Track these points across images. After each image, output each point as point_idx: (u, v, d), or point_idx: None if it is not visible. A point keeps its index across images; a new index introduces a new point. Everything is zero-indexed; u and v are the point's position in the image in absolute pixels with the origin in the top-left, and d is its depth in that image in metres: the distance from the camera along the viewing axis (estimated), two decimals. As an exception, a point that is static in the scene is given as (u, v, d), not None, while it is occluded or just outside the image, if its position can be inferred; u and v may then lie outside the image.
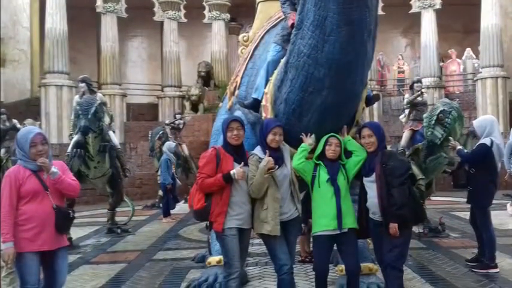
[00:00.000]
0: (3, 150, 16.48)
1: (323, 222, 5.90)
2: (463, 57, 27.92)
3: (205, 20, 28.39)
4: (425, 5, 25.57)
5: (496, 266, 8.16)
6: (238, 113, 7.44)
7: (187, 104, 26.26)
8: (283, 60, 6.55)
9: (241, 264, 6.09)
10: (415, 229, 9.01)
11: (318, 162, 6.03)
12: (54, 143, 19.87)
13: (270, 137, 5.90)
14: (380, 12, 22.82)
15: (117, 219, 13.18)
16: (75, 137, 11.40)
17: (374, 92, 8.42)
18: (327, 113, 6.22)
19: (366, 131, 6.08)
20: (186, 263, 9.34)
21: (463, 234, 11.17)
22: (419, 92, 12.85)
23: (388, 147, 7.20)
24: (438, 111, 10.31)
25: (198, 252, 9.65)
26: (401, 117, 14.40)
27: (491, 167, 8.27)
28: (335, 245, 6.10)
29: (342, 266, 6.60)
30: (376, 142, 6.00)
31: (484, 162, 8.19)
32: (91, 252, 10.66)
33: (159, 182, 16.33)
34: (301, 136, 6.21)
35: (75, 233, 11.49)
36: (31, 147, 5.41)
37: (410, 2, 26.10)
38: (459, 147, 8.60)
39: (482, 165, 8.21)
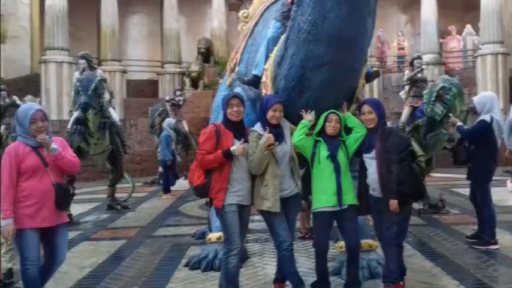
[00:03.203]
0: (3, 127, 16.49)
1: (323, 199, 5.90)
2: (463, 34, 27.86)
3: (205, -3, 28.28)
4: (426, -19, 25.46)
5: (496, 243, 8.18)
6: (238, 90, 7.44)
7: (187, 80, 26.23)
8: (283, 37, 6.52)
9: (241, 240, 6.07)
10: (415, 206, 9.01)
11: (318, 138, 6.01)
12: (54, 120, 19.92)
13: (270, 113, 5.88)
14: (381, -12, 22.71)
15: (117, 195, 13.21)
16: (75, 114, 11.39)
17: (374, 69, 8.41)
18: (327, 90, 6.20)
19: (365, 108, 6.04)
20: (186, 240, 9.37)
21: (463, 210, 11.20)
22: (419, 69, 12.75)
23: (388, 124, 7.19)
24: (438, 87, 10.28)
25: (198, 228, 9.66)
26: (401, 93, 14.31)
27: (491, 144, 8.25)
28: (335, 221, 6.10)
29: (342, 243, 6.62)
30: (376, 118, 5.98)
31: (484, 138, 8.17)
32: (91, 229, 10.69)
33: (159, 158, 16.35)
34: (301, 112, 6.19)
35: (75, 209, 11.54)
36: (31, 123, 5.40)
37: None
38: (459, 123, 8.57)
39: (482, 142, 8.20)
